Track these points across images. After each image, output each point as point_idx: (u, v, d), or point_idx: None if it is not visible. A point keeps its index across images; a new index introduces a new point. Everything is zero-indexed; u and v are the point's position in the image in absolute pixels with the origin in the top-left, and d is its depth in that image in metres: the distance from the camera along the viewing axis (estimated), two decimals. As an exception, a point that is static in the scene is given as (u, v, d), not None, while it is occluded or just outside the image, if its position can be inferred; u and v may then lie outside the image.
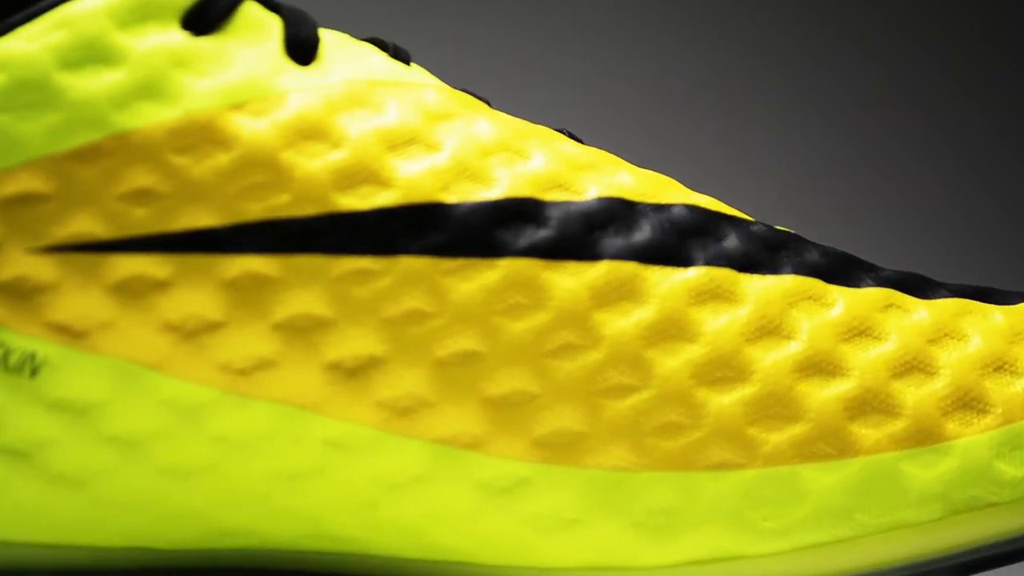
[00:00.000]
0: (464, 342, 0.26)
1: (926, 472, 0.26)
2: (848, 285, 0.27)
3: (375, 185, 0.26)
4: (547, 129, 0.28)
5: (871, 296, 0.27)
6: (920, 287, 0.28)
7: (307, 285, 0.25)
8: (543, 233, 0.26)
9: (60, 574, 0.26)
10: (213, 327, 0.25)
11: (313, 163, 0.25)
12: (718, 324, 0.26)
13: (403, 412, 0.25)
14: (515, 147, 0.27)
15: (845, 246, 1.15)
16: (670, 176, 1.14)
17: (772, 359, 0.26)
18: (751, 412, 0.26)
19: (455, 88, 0.30)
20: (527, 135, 0.27)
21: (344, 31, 1.04)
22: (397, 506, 0.26)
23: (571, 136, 0.29)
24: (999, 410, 0.26)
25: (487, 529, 0.26)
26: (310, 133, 0.26)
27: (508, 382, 0.26)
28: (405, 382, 0.25)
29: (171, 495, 0.26)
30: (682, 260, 0.27)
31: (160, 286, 0.25)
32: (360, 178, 0.26)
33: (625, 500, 0.26)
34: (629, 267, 0.26)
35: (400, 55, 0.28)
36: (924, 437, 0.26)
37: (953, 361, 0.27)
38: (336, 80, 0.26)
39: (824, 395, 0.26)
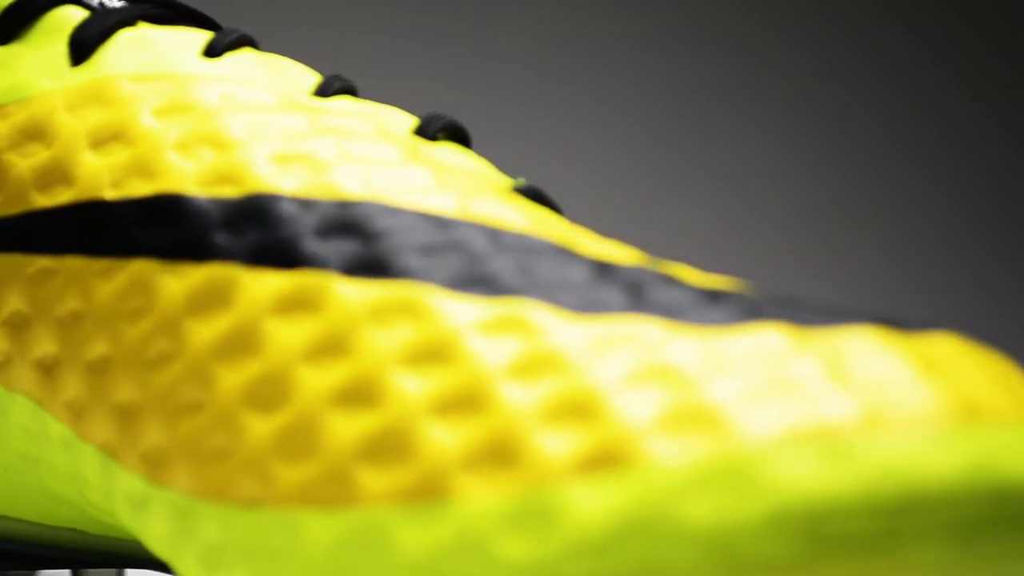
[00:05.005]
0: (101, 346, 0.25)
1: (420, 537, 0.20)
2: (473, 292, 0.22)
3: (64, 184, 0.25)
4: (320, 124, 0.25)
5: (467, 314, 0.21)
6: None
7: (12, 284, 0.26)
8: (169, 231, 0.24)
9: None
10: None
11: (25, 163, 0.26)
12: (285, 338, 0.22)
13: (77, 415, 0.25)
14: (219, 140, 0.25)
15: (844, 245, 0.96)
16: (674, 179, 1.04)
17: (316, 383, 0.22)
18: (278, 443, 0.22)
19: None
20: (259, 131, 0.25)
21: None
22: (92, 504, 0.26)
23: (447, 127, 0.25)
24: (530, 468, 0.19)
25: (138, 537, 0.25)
26: (33, 133, 0.26)
27: (126, 391, 0.24)
28: (72, 384, 0.25)
29: None
30: (288, 262, 0.23)
31: None
32: (55, 176, 0.26)
33: (191, 530, 0.23)
34: (229, 269, 0.23)
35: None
36: (428, 491, 0.20)
37: (512, 399, 0.20)
38: (88, 78, 0.26)
39: (346, 429, 0.21)
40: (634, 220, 1.19)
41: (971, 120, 1.30)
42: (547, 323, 0.21)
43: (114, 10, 0.27)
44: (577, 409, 0.19)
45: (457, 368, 0.21)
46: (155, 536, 0.24)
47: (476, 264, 0.22)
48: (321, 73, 1.06)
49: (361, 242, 0.23)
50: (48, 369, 0.25)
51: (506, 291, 0.21)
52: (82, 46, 0.26)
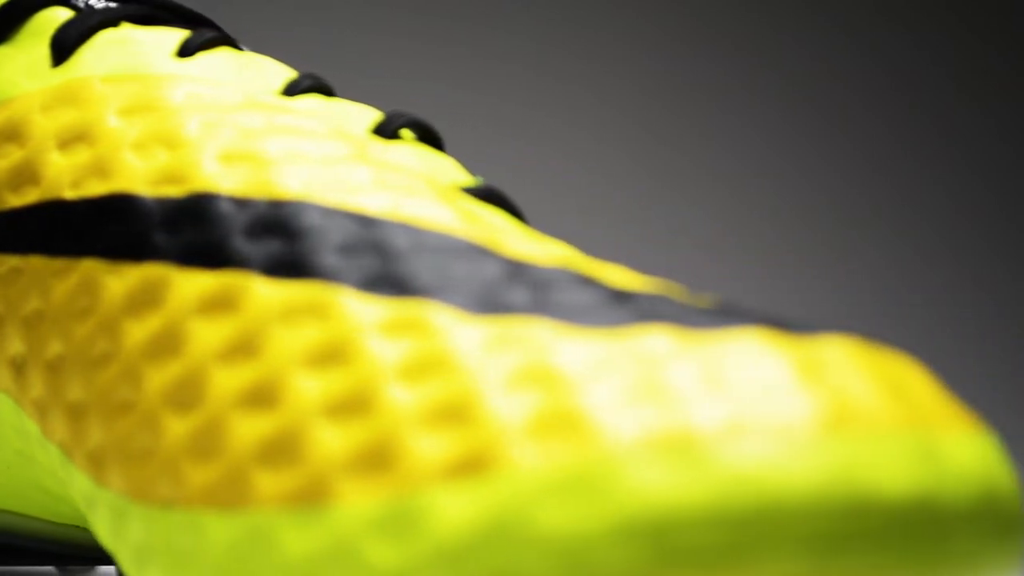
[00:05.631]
0: (57, 346, 0.25)
1: (302, 541, 0.20)
2: (380, 293, 0.21)
3: (32, 184, 0.26)
4: (272, 123, 0.25)
5: (370, 314, 0.21)
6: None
7: None
8: (116, 231, 0.24)
9: None
10: None
11: (1, 163, 0.26)
12: (204, 338, 0.22)
13: (42, 414, 0.25)
14: (173, 139, 0.25)
15: (843, 245, 0.94)
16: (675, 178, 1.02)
17: (226, 384, 0.21)
18: (190, 444, 0.22)
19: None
20: (212, 130, 0.25)
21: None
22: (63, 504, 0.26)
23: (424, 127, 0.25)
24: (402, 472, 0.19)
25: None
26: (10, 134, 0.26)
27: (76, 390, 0.24)
28: (37, 383, 0.25)
29: None
30: (216, 262, 0.23)
31: None
32: (25, 176, 0.26)
33: (124, 529, 0.23)
34: (163, 270, 0.23)
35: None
36: (312, 495, 0.20)
37: (396, 402, 0.20)
38: (65, 79, 0.27)
39: (247, 431, 0.21)
40: (634, 220, 1.17)
41: (971, 120, 1.26)
42: (444, 324, 0.20)
43: (97, 11, 0.27)
44: (454, 412, 0.19)
45: (351, 370, 0.20)
46: (102, 535, 0.24)
47: (389, 264, 0.22)
48: (318, 72, 1.07)
49: (285, 241, 0.22)
50: (19, 368, 0.25)
51: (411, 292, 0.21)
52: (61, 47, 0.27)
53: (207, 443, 0.21)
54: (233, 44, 0.27)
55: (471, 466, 0.18)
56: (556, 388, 0.19)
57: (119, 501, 0.23)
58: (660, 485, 0.17)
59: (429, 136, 0.26)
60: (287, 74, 0.27)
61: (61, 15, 0.27)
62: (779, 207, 1.23)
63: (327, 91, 0.26)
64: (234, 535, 0.20)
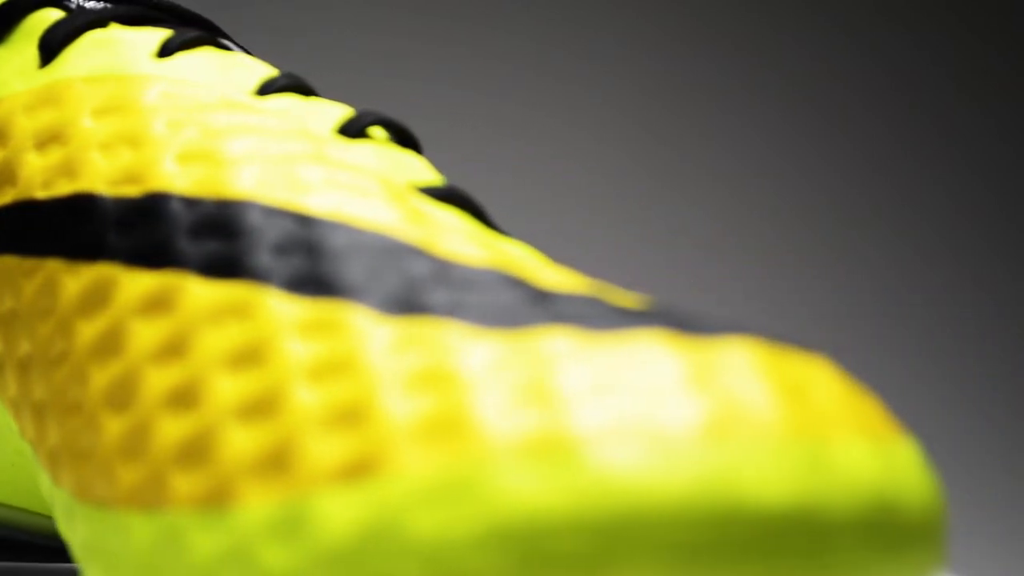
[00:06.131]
0: (25, 345, 0.25)
1: (207, 543, 0.20)
2: (304, 293, 0.21)
3: (10, 184, 0.26)
4: (242, 122, 0.25)
5: (290, 315, 0.21)
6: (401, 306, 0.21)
7: None
8: (76, 231, 0.24)
9: None
10: None
11: None
12: (142, 339, 0.22)
13: (16, 412, 0.26)
14: (137, 138, 0.25)
15: (843, 245, 0.93)
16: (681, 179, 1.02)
17: (157, 384, 0.22)
18: (122, 444, 0.22)
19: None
20: (176, 128, 0.25)
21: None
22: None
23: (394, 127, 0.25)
24: (297, 474, 0.19)
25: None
26: None
27: (39, 390, 0.25)
28: (10, 383, 0.26)
29: None
30: (159, 262, 0.23)
31: None
32: (4, 176, 0.26)
33: (73, 528, 0.23)
34: (112, 269, 0.23)
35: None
36: (219, 496, 0.20)
37: (301, 403, 0.20)
38: (49, 80, 0.27)
39: (170, 431, 0.21)
40: (633, 220, 1.16)
41: (971, 120, 1.24)
42: (357, 325, 0.20)
43: (87, 12, 0.27)
44: (351, 414, 0.19)
45: (265, 371, 0.20)
46: (62, 533, 0.24)
47: (318, 264, 0.21)
48: (319, 72, 1.06)
49: (224, 241, 0.22)
50: (0, 368, 0.26)
51: (333, 292, 0.21)
52: (48, 48, 0.27)
53: (135, 444, 0.21)
54: (218, 44, 0.27)
55: (360, 469, 0.18)
56: (448, 391, 0.18)
57: (69, 501, 0.23)
58: (529, 490, 0.17)
59: (404, 135, 0.26)
60: (267, 73, 0.27)
61: (53, 16, 0.28)
62: (779, 207, 1.23)
63: (305, 90, 0.26)
64: (153, 536, 0.20)
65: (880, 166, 1.26)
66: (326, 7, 1.12)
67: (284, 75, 0.26)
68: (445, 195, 0.24)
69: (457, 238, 0.22)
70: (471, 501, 0.17)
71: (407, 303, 0.20)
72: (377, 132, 0.26)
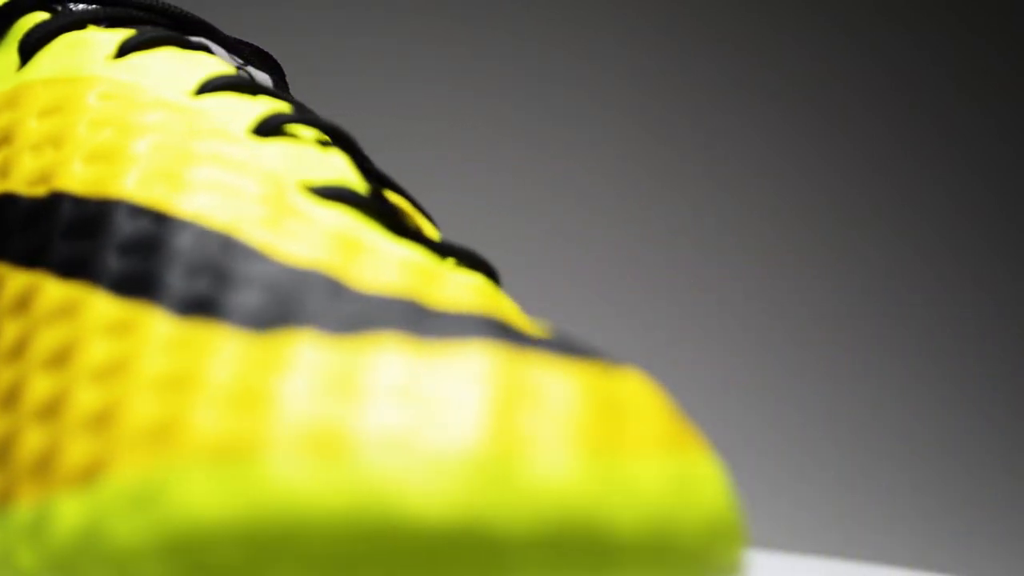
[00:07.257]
0: None
1: None
2: (124, 294, 0.22)
3: None
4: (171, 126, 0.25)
5: (103, 316, 0.21)
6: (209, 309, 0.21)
7: None
8: None
9: None
10: None
11: None
12: (4, 339, 0.22)
13: None
14: (61, 139, 0.25)
15: (843, 245, 1.02)
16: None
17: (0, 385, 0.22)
18: None
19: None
20: (95, 129, 0.25)
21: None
22: None
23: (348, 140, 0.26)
24: (48, 478, 0.19)
25: None
26: None
27: None
28: None
29: None
30: (31, 262, 0.23)
31: None
32: None
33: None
34: (3, 269, 0.24)
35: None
36: (3, 497, 0.20)
37: (76, 404, 0.20)
38: (17, 82, 0.27)
39: None
40: (632, 220, 1.15)
41: (971, 120, 1.22)
42: (149, 327, 0.20)
43: (68, 14, 0.28)
44: (106, 416, 0.19)
45: (66, 372, 0.20)
46: None
47: (147, 264, 0.22)
48: (320, 73, 1.05)
49: (82, 241, 0.23)
50: None
51: (145, 293, 0.21)
52: (24, 51, 0.27)
53: None
54: (183, 43, 0.27)
55: (90, 473, 0.18)
56: (182, 395, 0.19)
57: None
58: (206, 500, 0.17)
59: (336, 134, 0.26)
60: (219, 71, 0.27)
61: (40, 18, 0.28)
62: (779, 207, 1.20)
63: (250, 89, 0.26)
64: None
65: (880, 166, 1.23)
66: (326, 7, 1.12)
67: (229, 76, 0.26)
68: (333, 194, 0.24)
69: (309, 239, 0.22)
70: (157, 508, 0.17)
71: (201, 305, 0.20)
72: (303, 131, 0.26)
